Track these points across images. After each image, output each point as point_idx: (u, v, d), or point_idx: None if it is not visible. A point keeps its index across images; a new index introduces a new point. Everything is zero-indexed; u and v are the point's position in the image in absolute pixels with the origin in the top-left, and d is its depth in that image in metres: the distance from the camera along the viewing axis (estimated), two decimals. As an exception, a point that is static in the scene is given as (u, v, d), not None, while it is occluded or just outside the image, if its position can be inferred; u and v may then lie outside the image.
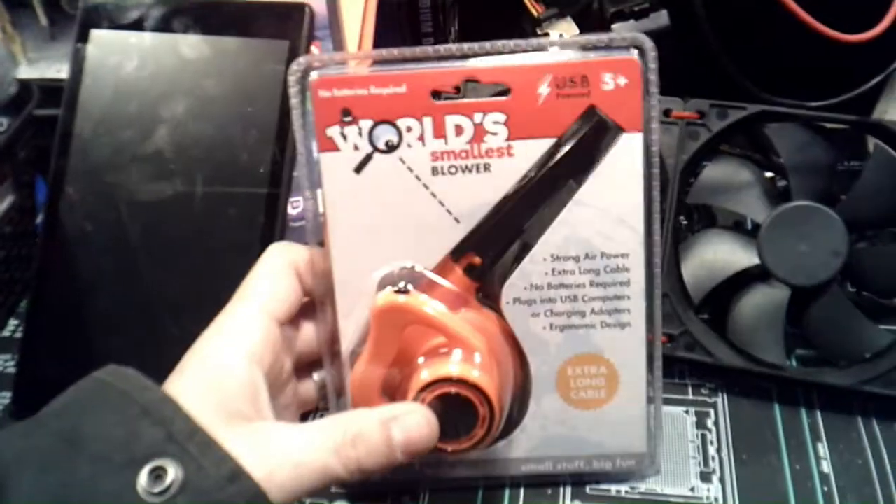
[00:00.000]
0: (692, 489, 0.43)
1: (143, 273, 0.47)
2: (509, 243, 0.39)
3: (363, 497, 0.44)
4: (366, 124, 0.37)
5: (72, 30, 0.50)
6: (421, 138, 0.37)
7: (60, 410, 0.32)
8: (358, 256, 0.38)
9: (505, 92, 0.37)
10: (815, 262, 0.46)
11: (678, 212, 0.48)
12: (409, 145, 0.37)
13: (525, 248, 0.39)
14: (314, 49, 0.49)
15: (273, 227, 0.46)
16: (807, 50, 0.48)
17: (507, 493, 0.43)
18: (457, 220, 0.38)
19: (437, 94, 0.37)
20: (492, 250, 0.39)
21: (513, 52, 0.37)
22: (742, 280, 0.48)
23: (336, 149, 0.37)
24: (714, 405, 0.47)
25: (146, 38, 0.48)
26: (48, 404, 0.32)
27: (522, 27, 0.59)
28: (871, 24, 0.48)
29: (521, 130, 0.37)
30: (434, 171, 0.37)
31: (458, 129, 0.37)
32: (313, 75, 0.36)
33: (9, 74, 0.59)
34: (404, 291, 0.37)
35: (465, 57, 0.37)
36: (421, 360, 0.37)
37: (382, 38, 0.56)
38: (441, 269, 0.39)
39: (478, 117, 0.37)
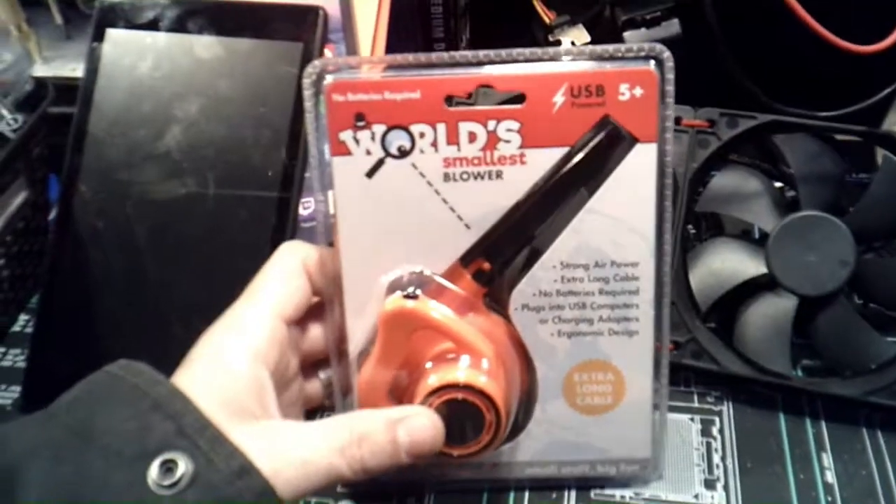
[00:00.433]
0: (696, 496, 0.43)
1: (153, 271, 0.47)
2: (519, 250, 0.39)
3: (368, 498, 0.44)
4: (379, 129, 0.37)
5: (87, 29, 0.50)
6: (434, 144, 0.37)
7: (72, 403, 0.32)
8: (367, 260, 0.38)
9: (516, 98, 0.37)
10: (822, 272, 0.46)
11: (686, 220, 0.48)
12: (422, 151, 0.37)
13: (535, 255, 0.39)
14: (327, 52, 0.49)
15: (284, 227, 0.46)
16: (817, 60, 0.48)
17: (511, 496, 0.44)
18: (467, 227, 0.38)
19: (449, 101, 0.37)
20: (501, 256, 0.39)
21: (528, 60, 0.36)
22: (749, 289, 0.48)
23: (348, 153, 0.37)
24: (719, 413, 0.48)
25: (161, 39, 0.49)
26: (60, 397, 0.32)
27: (534, 34, 0.59)
28: (883, 35, 0.48)
29: (535, 139, 0.37)
30: (446, 177, 0.37)
31: (472, 136, 0.37)
32: (328, 79, 0.36)
33: (24, 72, 0.60)
34: (413, 297, 0.38)
35: (480, 64, 0.37)
36: (429, 364, 0.37)
37: (394, 42, 0.56)
38: (450, 275, 0.39)
39: (491, 125, 0.37)
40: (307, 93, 0.37)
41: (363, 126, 0.37)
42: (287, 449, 0.32)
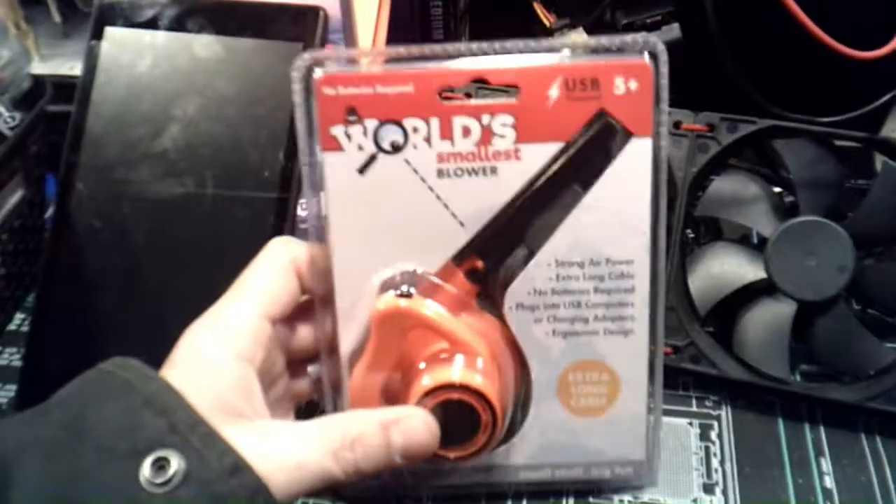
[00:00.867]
0: (695, 500, 0.43)
1: (149, 271, 0.47)
2: (513, 248, 0.38)
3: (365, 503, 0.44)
4: (371, 124, 0.36)
5: (85, 27, 0.50)
6: (427, 139, 0.36)
7: (65, 400, 0.32)
8: (359, 258, 0.38)
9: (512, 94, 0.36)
10: (821, 277, 0.46)
11: (685, 224, 0.48)
12: (415, 146, 0.36)
13: (529, 253, 0.39)
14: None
15: (282, 228, 0.46)
16: (818, 65, 0.49)
17: (509, 503, 0.43)
18: (461, 224, 0.37)
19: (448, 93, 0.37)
20: (495, 254, 0.38)
21: (522, 52, 0.36)
22: (748, 294, 0.48)
23: (340, 149, 0.36)
24: (718, 418, 0.47)
25: (160, 37, 0.48)
26: (53, 394, 0.32)
27: (534, 37, 0.59)
28: (883, 40, 0.48)
29: (530, 133, 0.36)
30: (440, 173, 0.37)
31: (466, 131, 0.36)
32: (318, 72, 0.36)
33: (22, 70, 0.59)
34: (406, 295, 0.37)
35: (473, 56, 0.36)
36: (422, 365, 0.37)
37: (394, 43, 0.56)
38: (443, 273, 0.38)
39: (486, 119, 0.36)
40: (296, 86, 0.36)
41: (355, 121, 0.36)
42: (279, 451, 0.32)
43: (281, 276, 0.37)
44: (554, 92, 0.36)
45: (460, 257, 0.38)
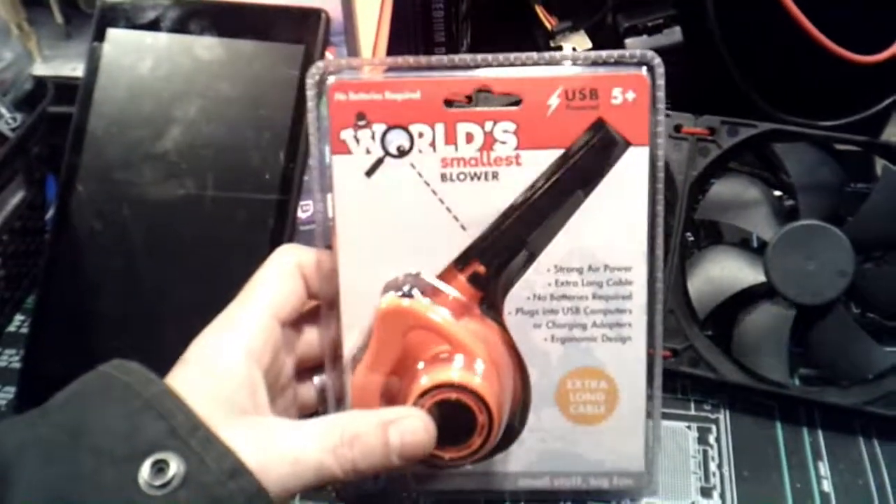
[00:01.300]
0: (693, 504, 0.43)
1: (150, 273, 0.47)
2: (514, 253, 0.39)
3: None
4: (379, 128, 0.37)
5: (87, 28, 0.50)
6: (432, 144, 0.37)
7: (65, 402, 0.32)
8: (365, 260, 0.39)
9: (515, 104, 0.37)
10: (821, 281, 0.46)
11: (685, 228, 0.48)
12: (421, 151, 0.38)
13: (530, 258, 0.39)
14: (328, 55, 0.49)
15: (282, 230, 0.46)
16: (819, 69, 0.49)
17: (507, 507, 0.44)
18: (463, 228, 0.38)
19: (448, 104, 0.38)
20: (496, 259, 0.39)
21: (525, 64, 0.37)
22: (748, 297, 0.48)
23: (348, 152, 0.38)
24: (716, 421, 0.47)
25: (162, 39, 0.49)
26: (53, 396, 0.32)
27: (535, 40, 0.59)
28: (884, 45, 0.48)
29: (530, 140, 0.37)
30: (443, 177, 0.38)
31: (469, 137, 0.37)
32: (331, 79, 0.37)
33: (24, 71, 0.59)
34: (408, 295, 0.38)
35: (478, 67, 0.37)
36: (421, 365, 0.37)
37: (396, 45, 0.56)
38: (445, 277, 0.39)
39: (488, 126, 0.37)
40: (310, 93, 0.37)
41: (364, 125, 0.37)
42: (278, 446, 0.32)
43: (288, 279, 0.38)
44: (554, 101, 0.37)
45: (462, 261, 0.39)
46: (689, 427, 0.47)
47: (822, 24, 0.47)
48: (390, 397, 0.38)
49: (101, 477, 0.29)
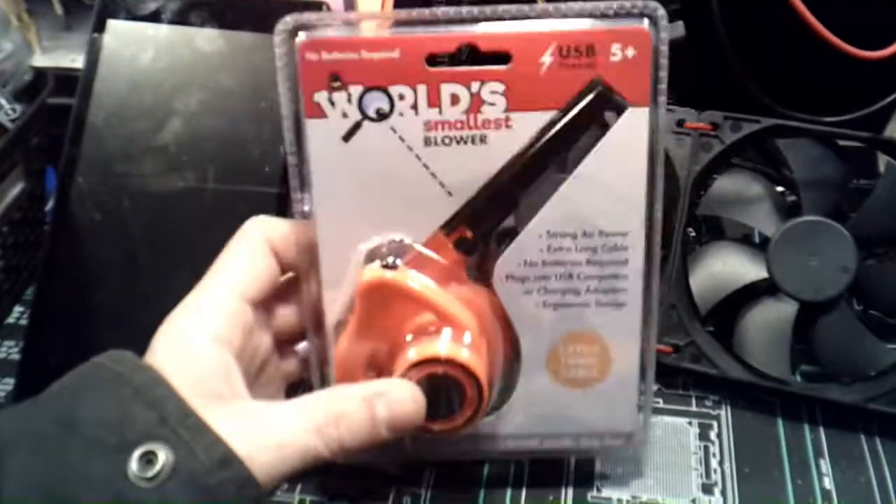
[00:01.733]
0: (693, 500, 0.43)
1: (149, 265, 0.47)
2: (503, 217, 0.37)
3: (363, 497, 0.44)
4: (356, 90, 0.35)
5: (87, 19, 0.50)
6: (414, 107, 0.35)
7: (57, 393, 0.32)
8: (344, 227, 0.37)
9: (504, 60, 0.35)
10: (823, 277, 0.46)
11: (687, 223, 0.48)
12: (402, 114, 0.35)
13: (520, 223, 0.38)
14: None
15: (282, 223, 0.46)
16: (822, 65, 0.48)
17: (508, 494, 0.43)
18: (449, 193, 0.37)
19: (432, 61, 0.35)
20: (485, 224, 0.37)
21: (515, 18, 0.35)
22: (750, 293, 0.48)
23: (323, 115, 0.35)
24: (717, 417, 0.47)
25: (163, 31, 0.48)
26: (48, 387, 0.32)
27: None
28: (888, 41, 0.48)
29: (521, 102, 0.35)
30: (427, 141, 0.36)
31: (454, 99, 0.35)
32: (301, 36, 0.34)
33: (24, 62, 0.59)
34: (392, 266, 0.36)
35: (464, 22, 0.35)
36: (409, 337, 0.36)
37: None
38: (431, 243, 0.37)
39: (475, 86, 0.35)
40: (279, 51, 0.35)
41: (339, 87, 0.35)
42: (262, 432, 0.32)
43: (256, 256, 0.37)
44: (547, 59, 0.35)
45: (449, 227, 0.37)
46: (690, 423, 0.47)
47: (827, 20, 0.47)
48: (376, 368, 0.37)
49: (90, 469, 0.29)
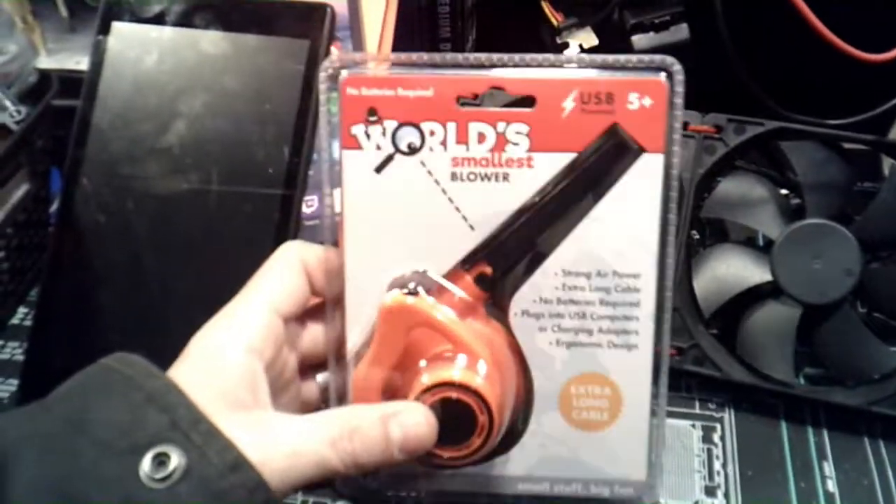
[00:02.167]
0: (696, 503, 0.43)
1: (153, 266, 0.47)
2: (522, 255, 0.39)
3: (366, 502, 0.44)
4: (390, 125, 0.37)
5: (91, 22, 0.50)
6: (443, 143, 0.37)
7: (66, 395, 0.32)
8: (371, 256, 0.38)
9: (524, 101, 0.37)
10: (827, 280, 0.45)
11: (691, 226, 0.48)
12: (431, 149, 0.37)
13: (537, 261, 0.39)
14: (334, 49, 0.49)
15: (287, 225, 0.46)
16: (827, 67, 0.48)
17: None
18: (472, 228, 0.38)
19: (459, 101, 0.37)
20: (504, 261, 0.38)
21: (540, 65, 0.37)
22: (753, 296, 0.48)
23: (359, 147, 0.37)
24: (721, 420, 0.47)
25: (167, 33, 0.48)
26: (55, 389, 0.32)
27: (541, 36, 0.59)
28: (893, 44, 0.48)
29: (543, 143, 0.37)
30: (453, 176, 0.37)
31: (481, 137, 0.37)
32: (343, 73, 0.37)
33: (28, 64, 0.59)
34: (413, 293, 0.37)
35: (491, 66, 0.37)
36: (423, 363, 0.37)
37: (401, 41, 0.56)
38: (452, 276, 0.38)
39: (501, 126, 0.37)
40: (322, 86, 0.37)
41: (375, 121, 0.37)
42: (277, 439, 0.32)
43: (291, 275, 0.38)
44: (569, 104, 0.36)
45: (469, 262, 0.38)
46: (693, 426, 0.47)
47: (831, 23, 0.47)
48: (391, 393, 0.38)
49: (101, 470, 0.29)
